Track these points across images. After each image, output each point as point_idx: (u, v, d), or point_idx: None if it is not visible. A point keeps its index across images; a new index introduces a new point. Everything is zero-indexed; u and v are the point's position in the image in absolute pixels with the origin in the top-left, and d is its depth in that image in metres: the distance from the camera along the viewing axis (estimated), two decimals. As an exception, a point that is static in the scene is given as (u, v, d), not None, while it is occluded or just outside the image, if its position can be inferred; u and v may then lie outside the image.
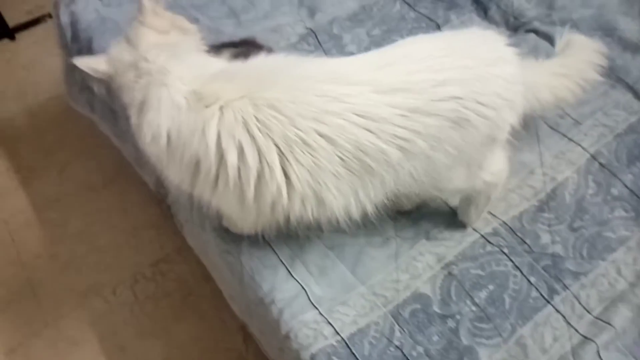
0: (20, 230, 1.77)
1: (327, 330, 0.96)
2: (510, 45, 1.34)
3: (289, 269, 1.02)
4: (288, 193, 0.81)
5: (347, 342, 0.95)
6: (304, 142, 0.77)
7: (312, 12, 1.42)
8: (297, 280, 1.01)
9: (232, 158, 0.79)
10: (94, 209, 1.79)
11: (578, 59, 0.99)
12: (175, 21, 0.92)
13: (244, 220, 0.96)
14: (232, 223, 1.03)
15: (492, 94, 0.81)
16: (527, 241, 1.10)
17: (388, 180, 0.84)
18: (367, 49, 1.35)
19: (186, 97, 0.80)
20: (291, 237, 1.02)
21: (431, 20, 1.41)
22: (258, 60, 0.86)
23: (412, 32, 1.39)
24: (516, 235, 1.10)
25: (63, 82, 1.63)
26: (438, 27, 1.40)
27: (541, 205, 1.14)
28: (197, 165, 0.82)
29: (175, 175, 0.85)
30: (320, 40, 1.36)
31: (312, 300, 0.99)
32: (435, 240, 1.09)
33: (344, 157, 0.78)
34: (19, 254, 1.73)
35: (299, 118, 0.77)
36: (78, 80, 1.55)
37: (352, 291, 1.02)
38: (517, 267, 1.07)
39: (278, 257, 1.03)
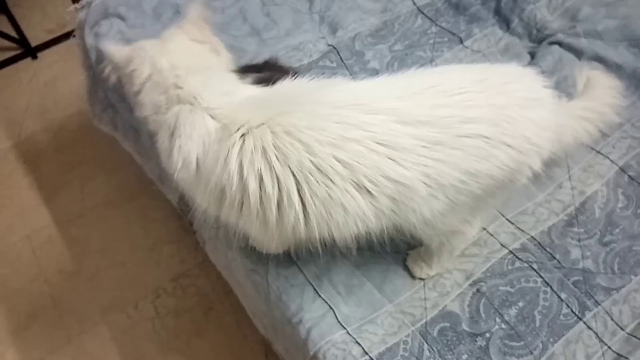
0: (43, 246, 1.79)
1: (356, 350, 0.95)
2: (532, 56, 1.36)
3: (316, 288, 1.01)
4: (305, 219, 0.80)
5: (376, 361, 0.94)
6: (319, 169, 0.76)
7: (333, 29, 1.42)
8: (324, 300, 1.00)
9: (252, 186, 0.79)
10: (115, 225, 1.81)
11: (600, 102, 0.95)
12: (212, 40, 0.94)
13: (270, 242, 0.95)
14: (259, 243, 1.02)
15: (520, 138, 0.78)
16: (557, 256, 1.08)
17: (401, 209, 0.81)
18: (389, 64, 1.36)
19: (215, 124, 0.81)
20: (317, 255, 1.02)
21: (453, 34, 1.41)
22: (281, 86, 0.85)
23: (435, 47, 1.39)
24: (545, 250, 1.09)
25: (87, 101, 1.65)
26: (461, 41, 1.40)
27: (570, 219, 1.12)
28: (222, 191, 0.82)
29: (202, 200, 0.85)
30: (342, 57, 1.36)
31: (340, 319, 0.98)
32: (463, 257, 1.08)
33: (361, 183, 0.77)
34: (42, 269, 1.75)
35: (315, 144, 0.76)
36: (101, 98, 1.58)
37: (379, 310, 1.01)
38: (547, 283, 1.05)
39: (305, 276, 1.03)
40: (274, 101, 0.82)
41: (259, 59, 1.30)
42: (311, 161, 0.76)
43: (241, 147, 0.79)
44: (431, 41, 1.40)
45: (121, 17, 1.41)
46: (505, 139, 0.77)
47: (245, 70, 1.18)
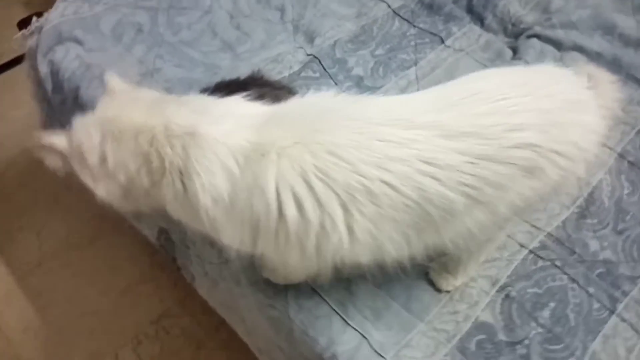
0: (1, 302, 1.59)
1: (400, 379, 0.87)
2: (514, 51, 1.35)
3: (344, 316, 0.93)
4: (351, 243, 0.73)
5: (422, 388, 0.87)
6: (368, 191, 0.69)
7: (310, 38, 1.36)
8: (355, 329, 0.92)
9: (291, 212, 0.70)
10: (81, 270, 1.64)
11: (608, 98, 0.92)
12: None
13: (297, 271, 0.86)
14: (277, 274, 0.93)
15: (569, 144, 0.74)
16: (577, 250, 1.06)
17: (443, 230, 0.76)
18: (374, 70, 1.31)
19: (238, 150, 0.72)
20: (337, 281, 0.94)
21: (434, 34, 1.37)
22: (304, 102, 0.78)
23: (417, 48, 1.35)
24: (564, 245, 1.06)
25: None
26: (442, 41, 1.37)
27: (582, 211, 1.11)
28: (257, 222, 0.73)
29: (234, 237, 0.75)
30: (325, 66, 1.29)
31: (375, 348, 0.90)
32: (485, 263, 1.03)
33: (405, 206, 0.71)
34: (3, 329, 1.55)
35: (361, 164, 0.69)
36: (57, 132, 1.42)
37: (412, 330, 0.95)
38: (573, 280, 1.02)
39: (329, 305, 0.94)
40: (300, 118, 0.74)
41: (234, 75, 1.20)
42: (358, 182, 0.69)
43: (276, 170, 0.70)
44: (412, 43, 1.36)
45: (78, 41, 1.28)
46: (554, 146, 0.72)
47: (223, 87, 1.09)
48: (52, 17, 1.30)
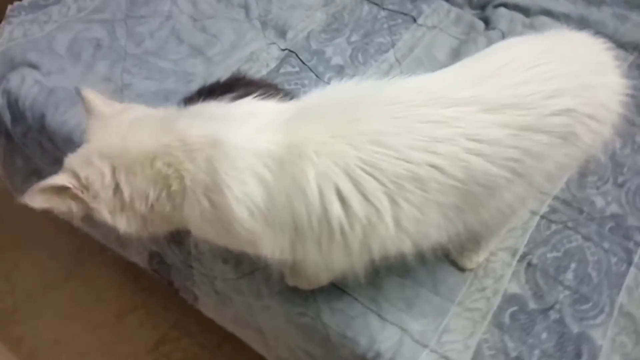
0: (-20, 358, 1.46)
1: (449, 366, 0.85)
2: (485, 22, 1.36)
3: (379, 313, 0.90)
4: (396, 232, 0.69)
5: (472, 371, 0.86)
6: (415, 177, 0.66)
7: (281, 32, 1.30)
8: (393, 323, 0.89)
9: (336, 210, 0.66)
10: (62, 309, 1.53)
11: None
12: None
13: (331, 271, 0.82)
14: (305, 280, 0.88)
15: (599, 106, 0.73)
16: (585, 209, 1.07)
17: (483, 208, 0.74)
18: (353, 57, 1.28)
19: (269, 154, 0.67)
20: (361, 277, 0.90)
21: (405, 14, 1.36)
22: (329, 94, 0.73)
23: (391, 30, 1.32)
24: (573, 206, 1.07)
25: (2, 176, 1.36)
26: (414, 20, 1.35)
27: (581, 170, 1.12)
28: (298, 227, 0.68)
29: (274, 247, 0.70)
30: (303, 60, 1.25)
31: (417, 339, 0.88)
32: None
33: (452, 188, 0.68)
34: (-10, 387, 1.43)
35: (407, 150, 0.66)
36: (20, 167, 1.31)
37: (446, 314, 0.93)
38: (588, 238, 1.03)
39: (362, 304, 0.91)
40: (332, 111, 0.69)
41: (212, 79, 1.14)
42: (406, 169, 0.65)
43: (315, 169, 0.66)
44: (385, 25, 1.34)
45: (33, 65, 1.17)
46: (587, 110, 0.71)
47: (205, 93, 1.02)
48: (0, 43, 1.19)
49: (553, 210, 1.07)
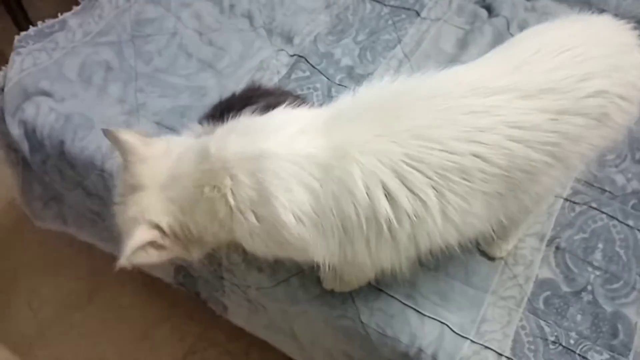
0: (9, 386, 1.48)
1: (491, 355, 0.87)
2: (487, 10, 1.36)
3: (417, 308, 0.91)
4: (443, 225, 0.71)
5: (514, 358, 0.87)
6: (460, 168, 0.68)
7: (288, 39, 1.31)
8: (432, 318, 0.90)
9: (383, 208, 0.68)
10: (87, 329, 1.55)
11: None
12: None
13: (371, 273, 0.84)
14: (342, 283, 0.90)
15: (629, 86, 0.74)
16: (607, 188, 1.08)
17: (523, 194, 0.75)
18: (362, 56, 1.28)
19: (307, 162, 0.68)
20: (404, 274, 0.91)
21: (408, 9, 1.36)
22: (365, 94, 0.74)
23: (396, 26, 1.33)
24: (594, 186, 1.09)
25: (21, 203, 1.37)
26: (417, 14, 1.35)
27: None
28: (346, 229, 0.70)
29: (323, 251, 0.72)
30: (313, 63, 1.25)
31: (457, 331, 0.89)
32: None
33: (496, 176, 0.70)
34: (21, 411, 1.45)
35: (451, 142, 0.67)
36: (39, 193, 1.32)
37: (482, 305, 0.94)
38: (612, 217, 1.05)
39: (399, 301, 0.92)
40: (372, 110, 0.71)
41: (224, 92, 1.15)
42: (451, 160, 0.67)
43: (361, 169, 0.67)
44: (390, 22, 1.34)
45: (46, 93, 1.18)
46: (618, 90, 0.72)
47: (224, 107, 1.03)
48: (12, 75, 1.19)
49: (576, 192, 1.08)
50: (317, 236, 0.70)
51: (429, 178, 0.68)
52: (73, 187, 1.18)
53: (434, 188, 0.68)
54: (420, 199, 0.68)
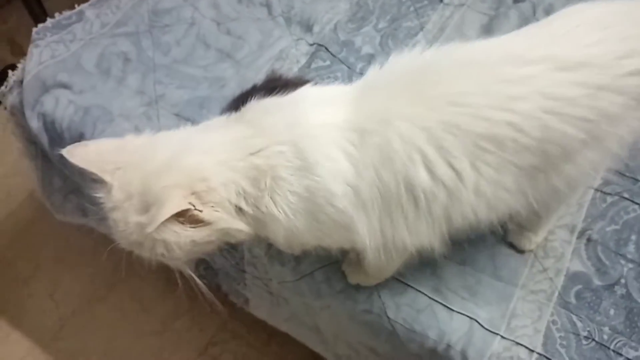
0: (33, 375, 1.49)
1: (522, 352, 0.85)
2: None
3: (445, 303, 0.89)
4: (476, 197, 0.69)
5: (546, 355, 0.85)
6: (493, 136, 0.66)
7: (307, 27, 1.28)
8: (460, 313, 0.88)
9: (422, 175, 0.67)
10: (109, 320, 1.56)
11: None
12: None
13: (401, 257, 0.81)
14: (368, 276, 0.88)
15: None
16: (639, 177, 1.04)
17: (556, 173, 0.72)
18: (383, 44, 1.25)
19: (346, 131, 0.68)
20: (417, 268, 0.90)
21: (431, -6, 1.32)
22: (395, 64, 0.72)
23: (418, 13, 1.30)
24: (626, 176, 1.05)
25: (41, 196, 1.37)
26: (440, 0, 1.31)
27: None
28: (386, 200, 0.68)
29: (364, 229, 0.70)
30: (333, 52, 1.23)
31: (487, 327, 0.87)
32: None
33: (528, 148, 0.67)
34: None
35: (486, 109, 0.65)
36: (59, 186, 1.32)
37: (512, 299, 0.91)
38: (645, 207, 1.01)
39: (426, 295, 0.90)
40: (405, 78, 0.69)
41: (243, 83, 1.13)
42: (485, 128, 0.65)
43: (400, 135, 0.66)
44: (412, 8, 1.31)
45: (65, 86, 1.17)
46: None
47: (245, 99, 1.01)
48: (30, 67, 1.18)
49: (607, 182, 1.04)
50: (359, 210, 0.68)
51: (464, 145, 0.66)
52: (92, 179, 1.17)
53: (467, 157, 0.66)
54: (455, 169, 0.67)
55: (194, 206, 0.65)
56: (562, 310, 0.91)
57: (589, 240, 0.98)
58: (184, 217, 0.65)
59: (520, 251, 0.96)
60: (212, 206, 0.67)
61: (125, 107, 1.14)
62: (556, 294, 0.92)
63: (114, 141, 0.74)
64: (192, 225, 0.66)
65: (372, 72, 0.74)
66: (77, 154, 0.71)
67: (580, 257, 0.96)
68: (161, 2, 1.34)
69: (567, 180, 0.74)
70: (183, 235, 0.66)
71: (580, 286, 0.93)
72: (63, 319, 1.57)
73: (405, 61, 0.72)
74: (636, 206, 1.01)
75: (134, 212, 0.66)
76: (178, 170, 0.66)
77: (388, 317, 0.89)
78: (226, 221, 0.68)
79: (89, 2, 1.35)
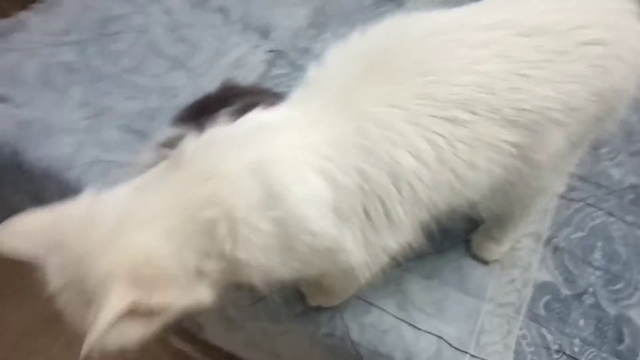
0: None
1: (492, 370, 0.81)
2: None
3: (411, 322, 0.85)
4: (465, 169, 0.65)
5: (517, 372, 0.81)
6: (467, 103, 0.63)
7: (264, 33, 1.24)
8: (427, 332, 0.84)
9: (406, 160, 0.63)
10: (54, 355, 1.43)
11: None
12: None
13: (374, 265, 0.73)
14: (328, 297, 0.83)
15: (630, 50, 0.69)
16: (603, 182, 1.04)
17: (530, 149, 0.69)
18: (343, 51, 1.21)
19: (319, 147, 0.62)
20: (380, 285, 0.85)
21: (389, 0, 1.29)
22: (342, 54, 0.68)
23: (379, 17, 1.26)
24: (590, 181, 1.04)
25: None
26: (401, 5, 1.29)
27: (592, 143, 1.08)
28: (370, 204, 0.64)
29: (349, 244, 0.65)
30: (292, 59, 1.18)
31: (455, 345, 0.83)
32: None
33: (499, 111, 0.64)
34: None
35: (454, 75, 0.63)
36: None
37: (479, 314, 0.88)
38: (610, 213, 1.00)
39: (391, 314, 0.85)
40: (357, 61, 0.65)
41: (197, 93, 1.07)
42: (459, 95, 0.62)
43: (377, 123, 0.62)
44: (373, 14, 1.27)
45: (1, 99, 1.08)
46: (618, 49, 0.68)
47: (196, 110, 0.95)
48: (-39, 77, 1.10)
49: (571, 188, 1.03)
50: (342, 225, 0.63)
51: (440, 117, 0.62)
52: (29, 201, 1.09)
53: (444, 127, 0.63)
54: (435, 146, 0.63)
55: (139, 299, 0.54)
56: (532, 323, 0.88)
57: (555, 248, 0.96)
58: (131, 312, 0.54)
59: (485, 262, 0.93)
60: (164, 288, 0.57)
61: (67, 120, 1.07)
62: (525, 306, 0.90)
63: (45, 215, 0.61)
64: (143, 318, 0.56)
65: (316, 73, 0.68)
66: (2, 239, 0.60)
67: (547, 266, 0.94)
68: (110, 9, 1.27)
69: (536, 171, 0.71)
70: (134, 334, 0.57)
71: (548, 297, 0.91)
72: (4, 354, 1.47)
73: (351, 48, 0.68)
74: (601, 212, 1.00)
75: (77, 304, 0.57)
76: (116, 252, 0.56)
77: (352, 341, 0.84)
78: (183, 298, 0.59)
79: (33, 10, 1.27)
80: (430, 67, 0.63)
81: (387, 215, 0.65)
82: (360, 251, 0.66)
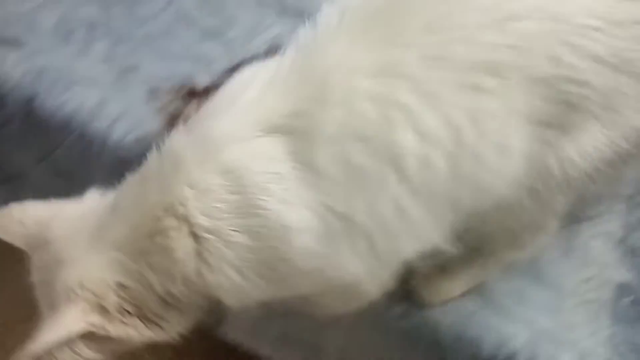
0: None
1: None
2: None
3: (495, 310, 0.73)
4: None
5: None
6: (494, 67, 0.50)
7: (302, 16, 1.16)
8: (515, 321, 0.73)
9: (406, 140, 0.50)
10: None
11: None
12: None
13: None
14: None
15: None
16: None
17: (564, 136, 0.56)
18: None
19: (285, 130, 0.52)
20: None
21: None
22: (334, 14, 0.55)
23: None
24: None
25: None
26: None
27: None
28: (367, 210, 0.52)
29: (350, 259, 0.54)
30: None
31: (547, 337, 0.72)
32: (590, 220, 0.90)
33: (537, 83, 0.52)
34: None
35: (479, 31, 0.50)
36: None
37: (563, 306, 0.78)
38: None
39: (472, 300, 0.74)
40: (355, 24, 0.53)
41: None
42: (485, 54, 0.50)
43: (371, 94, 0.50)
44: None
45: (15, 43, 0.95)
46: None
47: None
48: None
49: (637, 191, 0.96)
50: (331, 241, 0.52)
51: (457, 84, 0.50)
52: (37, 160, 0.94)
53: (463, 100, 0.51)
54: (451, 120, 0.51)
55: (97, 325, 0.51)
56: (618, 323, 0.78)
57: (632, 249, 0.88)
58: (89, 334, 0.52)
59: (429, 304, 0.74)
60: (125, 317, 0.52)
61: (90, 73, 0.95)
62: (609, 305, 0.80)
63: (43, 210, 0.61)
64: (102, 343, 0.52)
65: (305, 36, 0.58)
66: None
67: (629, 266, 0.86)
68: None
69: (562, 173, 0.58)
70: (92, 356, 0.53)
71: (632, 297, 0.82)
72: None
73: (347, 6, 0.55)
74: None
75: (44, 304, 0.57)
76: (83, 270, 0.54)
77: (434, 320, 0.71)
78: (147, 331, 0.53)
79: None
80: (449, 22, 0.51)
81: (400, 214, 0.53)
82: (362, 261, 0.55)
